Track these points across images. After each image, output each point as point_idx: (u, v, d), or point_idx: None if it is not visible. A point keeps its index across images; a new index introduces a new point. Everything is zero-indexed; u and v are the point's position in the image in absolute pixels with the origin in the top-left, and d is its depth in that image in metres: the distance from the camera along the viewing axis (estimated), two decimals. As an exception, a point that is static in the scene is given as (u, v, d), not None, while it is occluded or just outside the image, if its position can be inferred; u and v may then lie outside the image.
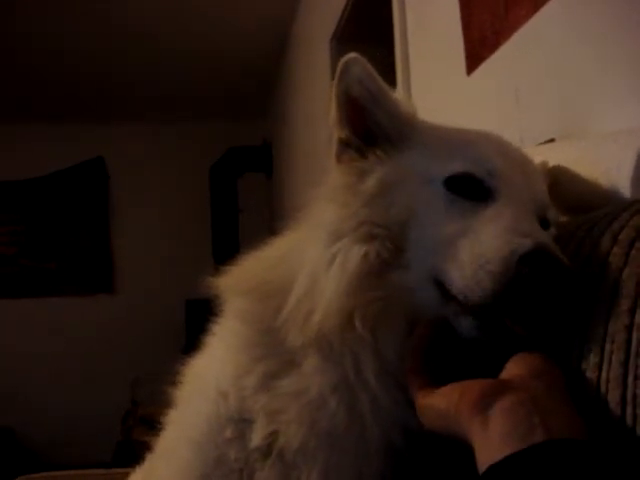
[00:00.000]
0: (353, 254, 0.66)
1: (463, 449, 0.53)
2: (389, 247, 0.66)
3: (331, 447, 0.66)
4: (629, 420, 0.49)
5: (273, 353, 0.71)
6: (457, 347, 0.62)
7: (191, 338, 0.86)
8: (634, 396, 0.49)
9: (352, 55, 0.72)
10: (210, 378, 0.75)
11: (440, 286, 0.63)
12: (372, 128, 0.73)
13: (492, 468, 0.47)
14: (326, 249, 0.68)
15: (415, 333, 0.64)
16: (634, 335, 0.51)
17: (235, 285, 0.78)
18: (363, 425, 0.66)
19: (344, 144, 0.74)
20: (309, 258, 0.70)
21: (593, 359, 0.54)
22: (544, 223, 0.69)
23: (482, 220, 0.63)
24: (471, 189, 0.67)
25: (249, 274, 0.77)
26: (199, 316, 0.82)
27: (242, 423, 0.70)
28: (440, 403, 0.56)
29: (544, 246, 0.57)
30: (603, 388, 0.52)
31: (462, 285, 0.60)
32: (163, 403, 0.82)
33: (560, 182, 0.78)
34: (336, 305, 0.65)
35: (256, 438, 0.69)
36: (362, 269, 0.65)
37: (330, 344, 0.67)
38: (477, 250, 0.60)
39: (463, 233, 0.63)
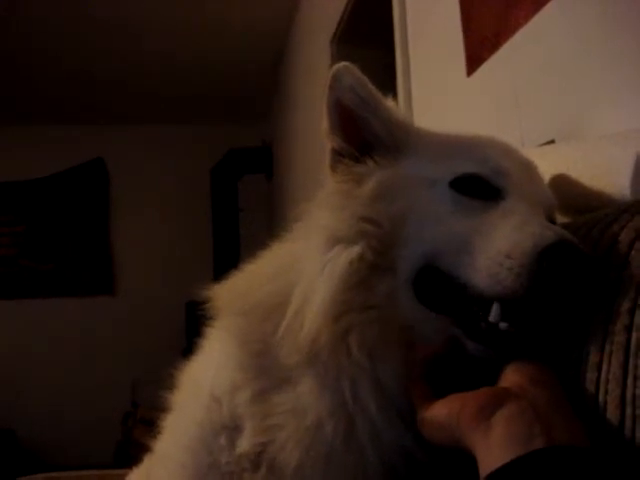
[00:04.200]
0: (341, 260, 0.64)
1: (461, 466, 0.53)
2: (374, 246, 0.64)
3: (328, 469, 0.65)
4: (628, 421, 0.49)
5: (267, 373, 0.70)
6: (459, 361, 0.61)
7: (191, 339, 0.85)
8: (633, 397, 0.49)
9: (343, 64, 0.70)
10: (204, 383, 0.75)
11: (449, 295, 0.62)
12: (367, 137, 0.71)
13: (493, 475, 0.47)
14: (320, 256, 0.66)
15: (417, 349, 0.63)
16: (633, 336, 0.51)
17: (231, 304, 0.76)
18: (361, 449, 0.64)
19: (338, 154, 0.72)
20: (306, 269, 0.68)
21: (593, 360, 0.54)
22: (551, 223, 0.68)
23: (496, 216, 0.62)
24: (479, 189, 0.65)
25: (245, 292, 0.75)
26: (199, 317, 0.82)
27: (234, 431, 0.69)
28: (441, 414, 0.56)
29: (567, 237, 0.56)
30: (602, 389, 0.52)
31: (481, 281, 0.58)
32: (163, 405, 0.82)
33: (560, 184, 0.78)
34: (323, 314, 0.63)
35: (244, 444, 0.68)
36: (349, 275, 0.63)
37: (325, 367, 0.65)
38: (495, 245, 0.59)
39: (476, 230, 0.61)
